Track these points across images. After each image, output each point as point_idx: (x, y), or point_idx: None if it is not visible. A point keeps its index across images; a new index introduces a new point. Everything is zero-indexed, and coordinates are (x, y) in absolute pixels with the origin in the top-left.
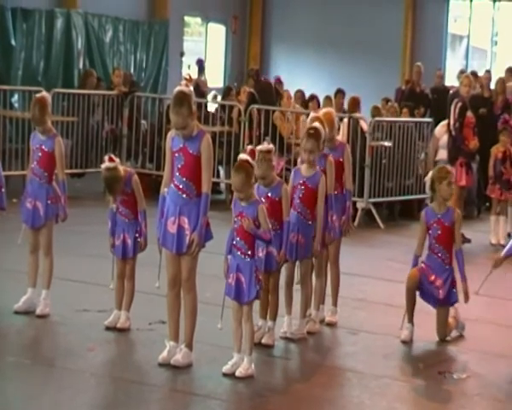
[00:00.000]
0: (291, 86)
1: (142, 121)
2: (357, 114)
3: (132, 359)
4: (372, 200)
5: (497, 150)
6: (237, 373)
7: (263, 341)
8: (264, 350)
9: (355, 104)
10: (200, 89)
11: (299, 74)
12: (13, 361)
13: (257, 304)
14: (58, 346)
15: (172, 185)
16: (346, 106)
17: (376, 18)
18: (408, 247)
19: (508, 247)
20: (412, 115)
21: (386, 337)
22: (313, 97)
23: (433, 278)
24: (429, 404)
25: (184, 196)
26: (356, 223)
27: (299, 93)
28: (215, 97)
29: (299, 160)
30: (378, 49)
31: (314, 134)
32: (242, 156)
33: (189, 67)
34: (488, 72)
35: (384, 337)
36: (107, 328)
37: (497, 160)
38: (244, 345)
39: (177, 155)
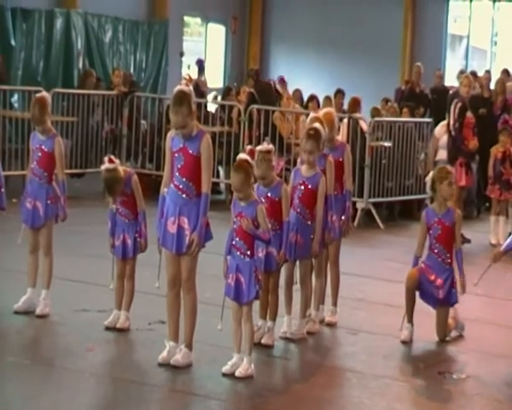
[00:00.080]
0: (291, 86)
1: (142, 121)
2: (357, 115)
3: (132, 359)
4: (372, 200)
5: (496, 151)
6: (237, 373)
7: (262, 341)
8: (264, 350)
9: (355, 104)
10: (200, 89)
11: (298, 74)
12: (12, 361)
13: (256, 304)
14: (57, 346)
15: (172, 185)
16: (345, 106)
17: (376, 18)
18: (408, 247)
19: (507, 242)
20: (413, 115)
21: (386, 338)
22: (313, 97)
23: (433, 277)
24: (429, 404)
25: (184, 196)
26: (355, 223)
27: (298, 92)
28: (215, 98)
29: (298, 160)
30: (378, 49)
31: (314, 135)
32: (242, 156)
33: (188, 67)
34: (488, 72)
35: (384, 338)
36: (107, 328)
37: (497, 160)
38: (244, 345)
39: (176, 155)
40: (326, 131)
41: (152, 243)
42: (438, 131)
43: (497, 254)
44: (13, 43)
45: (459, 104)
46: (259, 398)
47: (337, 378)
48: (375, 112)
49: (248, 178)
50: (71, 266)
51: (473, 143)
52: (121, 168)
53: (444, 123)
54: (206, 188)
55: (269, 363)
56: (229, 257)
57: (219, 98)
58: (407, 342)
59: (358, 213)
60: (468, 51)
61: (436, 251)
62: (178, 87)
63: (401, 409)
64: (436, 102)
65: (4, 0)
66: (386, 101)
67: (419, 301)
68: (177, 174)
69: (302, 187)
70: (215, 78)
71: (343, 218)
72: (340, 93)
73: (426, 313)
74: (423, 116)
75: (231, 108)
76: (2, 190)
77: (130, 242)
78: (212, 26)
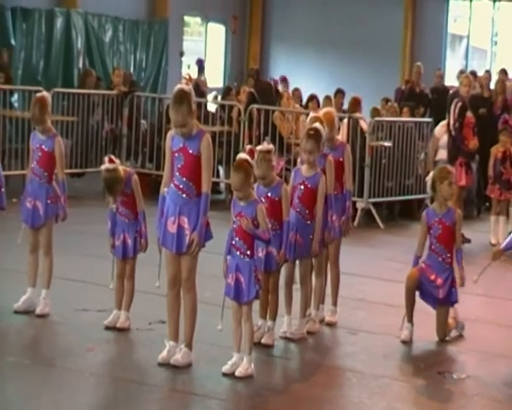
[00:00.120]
0: (291, 86)
1: (142, 121)
2: (357, 114)
3: (132, 358)
4: (372, 200)
5: (496, 150)
6: (237, 373)
7: (262, 341)
8: (264, 350)
9: (356, 104)
10: (200, 89)
11: (299, 74)
12: (12, 361)
13: (256, 304)
14: (58, 346)
15: (172, 185)
16: (345, 106)
17: (376, 18)
18: (408, 247)
19: (507, 240)
20: (413, 115)
21: (386, 337)
22: (313, 97)
23: (433, 277)
24: (429, 404)
25: (184, 195)
26: (355, 223)
27: (297, 92)
28: (216, 98)
29: (298, 160)
30: (378, 49)
31: (314, 135)
32: (241, 155)
33: (188, 66)
34: (488, 72)
35: (384, 337)
36: (107, 328)
37: (497, 160)
38: (244, 345)
39: (176, 154)
40: (326, 130)
41: (152, 242)
42: (438, 131)
43: (496, 252)
44: (13, 42)
45: (459, 104)
46: (259, 398)
47: (337, 378)
48: (375, 112)
49: (248, 177)
50: (71, 265)
51: (473, 143)
52: (121, 168)
53: (444, 123)
54: (206, 188)
55: (269, 363)
56: (228, 257)
57: (219, 98)
58: (407, 342)
59: (358, 212)
60: (468, 51)
61: (436, 251)
62: (179, 86)
63: (401, 409)
64: (436, 101)
65: None
66: (386, 100)
67: (419, 301)
68: (177, 174)
69: (302, 187)
70: (215, 77)
71: (343, 218)
72: (340, 93)
73: (426, 312)
74: (423, 116)
75: (231, 107)
76: (3, 189)
77: (130, 241)
78: (212, 25)
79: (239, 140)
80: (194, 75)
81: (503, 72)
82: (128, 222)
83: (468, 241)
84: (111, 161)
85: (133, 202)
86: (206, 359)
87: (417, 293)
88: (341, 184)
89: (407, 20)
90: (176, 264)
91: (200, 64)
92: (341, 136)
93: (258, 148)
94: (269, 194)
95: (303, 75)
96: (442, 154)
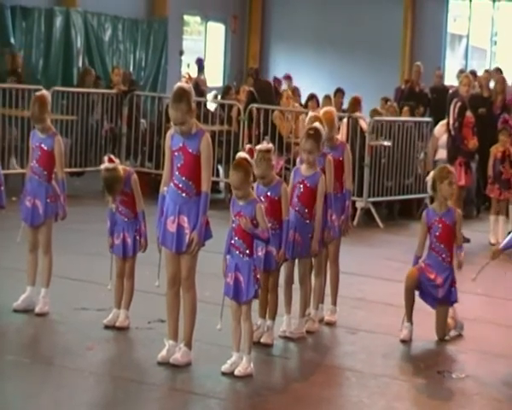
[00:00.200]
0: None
1: (142, 120)
2: (356, 114)
3: (131, 357)
4: (371, 199)
5: (496, 150)
6: (236, 372)
7: (262, 340)
8: (263, 349)
9: (356, 104)
10: (200, 88)
11: (298, 73)
12: (12, 360)
13: (256, 303)
14: (57, 344)
15: (172, 184)
16: (345, 105)
17: (376, 17)
18: (407, 246)
19: (506, 240)
20: (413, 114)
21: (385, 337)
22: (313, 96)
23: (433, 276)
24: (428, 403)
25: (184, 194)
26: (355, 222)
27: (296, 90)
28: (216, 97)
29: (298, 159)
30: (378, 48)
31: (314, 134)
32: (241, 154)
33: (188, 65)
34: (487, 71)
35: (383, 337)
36: (106, 327)
37: (497, 159)
38: (243, 344)
39: (176, 154)
40: (326, 130)
41: (152, 241)
42: (437, 131)
43: (495, 251)
44: (12, 41)
45: (459, 104)
46: (259, 397)
47: (336, 377)
48: (375, 114)
49: (247, 176)
50: (70, 264)
51: (472, 143)
52: (121, 167)
53: (443, 122)
54: (205, 187)
55: (268, 362)
56: (228, 256)
57: (219, 97)
58: (406, 342)
59: (358, 212)
60: (467, 51)
61: (436, 250)
62: (178, 84)
63: (400, 408)
64: (436, 101)
65: None
66: (386, 100)
67: (418, 301)
68: (176, 173)
69: (301, 186)
70: (215, 76)
71: (342, 217)
72: (339, 92)
73: (425, 312)
74: (423, 115)
75: (231, 106)
76: (2, 188)
77: (130, 241)
78: (211, 24)
79: (238, 139)
80: (194, 74)
81: (498, 70)
82: (128, 221)
83: (468, 240)
84: (110, 160)
85: (133, 201)
86: (206, 358)
87: (417, 292)
88: (341, 183)
89: (407, 20)
90: (175, 263)
91: (200, 63)
92: (341, 135)
93: (258, 147)
94: (268, 193)
95: (303, 74)
96: (441, 153)
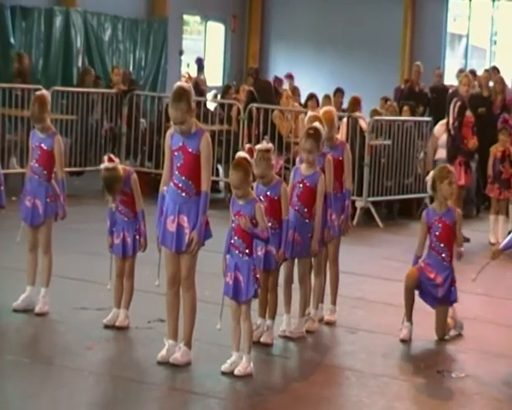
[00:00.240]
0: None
1: (142, 120)
2: (356, 113)
3: (131, 357)
4: (371, 199)
5: (496, 150)
6: (236, 372)
7: (262, 339)
8: (263, 349)
9: (356, 104)
10: (200, 87)
11: (298, 73)
12: (12, 360)
13: (256, 303)
14: (57, 344)
15: (172, 184)
16: (345, 105)
17: (376, 17)
18: (407, 246)
19: (506, 240)
20: (413, 114)
21: (385, 336)
22: (312, 96)
23: (433, 275)
24: (428, 403)
25: (184, 194)
26: (355, 222)
27: (296, 90)
28: (215, 97)
29: (297, 159)
30: (377, 47)
31: (313, 134)
32: (241, 154)
33: (188, 65)
34: (487, 71)
35: (383, 336)
36: (106, 326)
37: (496, 159)
38: (243, 344)
39: (176, 153)
40: (326, 129)
41: (151, 241)
42: (437, 130)
43: (495, 251)
44: (12, 41)
45: (458, 103)
46: (258, 396)
47: (336, 377)
48: (375, 114)
49: (247, 176)
50: (70, 264)
51: (472, 142)
52: (120, 167)
53: (443, 122)
54: (205, 186)
55: (268, 361)
56: (227, 256)
57: (219, 97)
58: (406, 341)
59: (358, 211)
60: (467, 50)
61: (436, 249)
62: (178, 83)
63: (400, 408)
64: (435, 100)
65: None
66: (386, 100)
67: (418, 300)
68: (176, 173)
69: (301, 185)
70: (214, 76)
71: (342, 216)
72: (339, 92)
73: (425, 311)
74: (422, 115)
75: (231, 106)
76: (2, 187)
77: (129, 240)
78: (211, 24)
79: (238, 139)
80: (194, 74)
81: (495, 69)
82: (127, 221)
83: (468, 240)
84: (110, 159)
85: (132, 200)
86: (206, 357)
87: (417, 292)
88: (341, 183)
89: (407, 19)
90: (175, 263)
91: (200, 63)
92: (341, 135)
93: (258, 147)
94: (268, 193)
95: (302, 74)
96: (441, 153)
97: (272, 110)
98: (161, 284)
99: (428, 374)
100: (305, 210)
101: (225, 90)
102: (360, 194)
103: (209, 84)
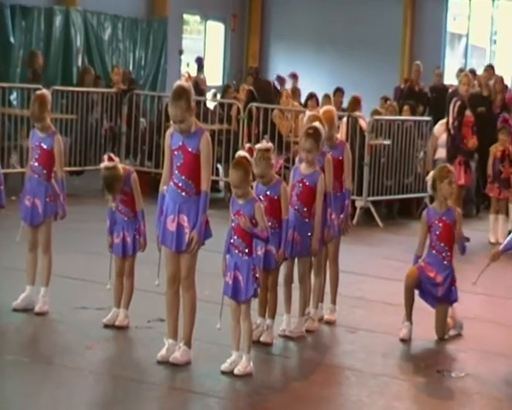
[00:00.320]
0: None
1: (141, 119)
2: (356, 113)
3: (131, 357)
4: (371, 198)
5: (495, 149)
6: (236, 371)
7: (261, 339)
8: (263, 348)
9: (355, 103)
10: (199, 87)
11: (298, 72)
12: (11, 359)
13: (255, 302)
14: (56, 344)
15: (172, 183)
16: (345, 104)
17: (376, 16)
18: (407, 245)
19: (506, 241)
20: (413, 113)
21: (385, 336)
22: (312, 96)
23: (433, 274)
24: (428, 402)
25: (183, 194)
26: (354, 221)
27: (297, 91)
28: (215, 95)
29: (297, 158)
30: (377, 47)
31: (313, 134)
32: (240, 153)
33: (187, 64)
34: (487, 70)
35: (382, 336)
36: (106, 326)
37: (496, 158)
38: (242, 343)
39: (176, 153)
40: (326, 129)
41: (151, 240)
42: (437, 130)
43: (495, 253)
44: (12, 40)
45: (458, 103)
46: (258, 396)
47: (336, 376)
48: (376, 114)
49: (247, 175)
50: (70, 263)
51: (472, 142)
52: (120, 166)
53: (443, 121)
54: (205, 186)
55: (268, 361)
56: (227, 255)
57: (218, 96)
58: (406, 341)
59: (357, 211)
60: (467, 49)
61: (437, 248)
62: (178, 82)
63: (400, 407)
64: (435, 100)
65: None
66: (386, 99)
67: (418, 300)
68: (176, 172)
69: (300, 185)
70: (214, 75)
71: (342, 216)
72: (339, 91)
73: (425, 311)
74: (422, 115)
75: (230, 105)
76: (2, 187)
77: (129, 239)
78: (211, 23)
79: (238, 138)
80: (194, 73)
81: (490, 67)
82: (127, 220)
83: (467, 239)
84: (110, 159)
85: (132, 200)
86: (205, 357)
87: (417, 292)
88: (341, 182)
89: (406, 19)
90: (175, 262)
91: (200, 62)
92: (341, 134)
93: (258, 146)
94: (268, 192)
95: (302, 73)
96: (441, 152)
97: (272, 110)
98: (161, 283)
99: (428, 374)
100: (305, 209)
101: (225, 90)
102: (360, 193)
103: (209, 83)
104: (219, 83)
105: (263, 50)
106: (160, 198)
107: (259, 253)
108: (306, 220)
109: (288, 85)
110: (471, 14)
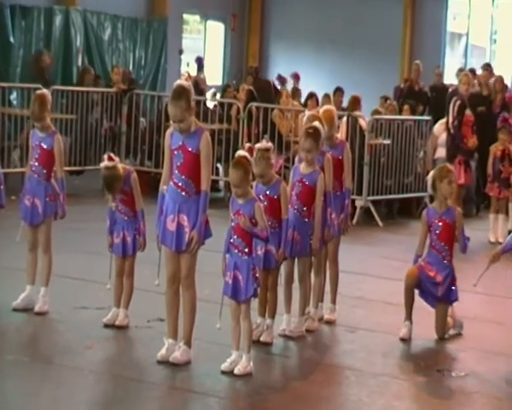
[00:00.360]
0: (290, 85)
1: (141, 119)
2: (356, 113)
3: (131, 356)
4: (371, 198)
5: (495, 149)
6: (236, 371)
7: (261, 339)
8: (263, 348)
9: (355, 103)
10: (199, 86)
11: (298, 72)
12: (11, 359)
13: (255, 302)
14: (56, 343)
15: (171, 183)
16: (345, 104)
17: (376, 15)
18: (406, 245)
19: (506, 242)
20: (414, 113)
21: (385, 335)
22: (312, 95)
23: (433, 273)
24: (428, 402)
25: (183, 193)
26: (354, 221)
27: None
28: (214, 95)
29: (296, 158)
30: (377, 46)
31: (313, 133)
32: (240, 153)
33: (187, 64)
34: (487, 70)
35: (382, 335)
36: (106, 325)
37: (496, 158)
38: (242, 343)
39: (176, 152)
40: (325, 129)
41: (151, 240)
42: (437, 129)
43: (495, 254)
44: (12, 40)
45: (458, 102)
46: (258, 395)
47: (336, 376)
48: (376, 114)
49: (247, 174)
50: (70, 263)
51: (472, 141)
52: (120, 166)
53: (443, 121)
54: (205, 185)
55: (268, 361)
56: (227, 255)
57: (218, 96)
58: (406, 340)
59: (357, 210)
60: (467, 49)
61: (437, 247)
62: (178, 82)
63: (400, 407)
64: (435, 99)
65: None
66: (386, 99)
67: (418, 299)
68: (176, 172)
69: (300, 184)
70: (214, 75)
71: (342, 215)
72: (339, 91)
73: (425, 311)
74: (422, 114)
75: (230, 105)
76: (2, 187)
77: (129, 239)
78: (211, 23)
79: (238, 138)
80: (194, 73)
81: (487, 65)
82: (127, 220)
83: (467, 239)
84: (110, 158)
85: (132, 199)
86: (205, 356)
87: (416, 291)
88: (340, 182)
89: (406, 18)
90: (175, 262)
91: (200, 62)
92: (340, 134)
93: (257, 146)
94: (267, 192)
95: (302, 73)
96: (441, 152)
97: (272, 109)
98: (161, 283)
99: (428, 373)
100: (305, 209)
101: (225, 89)
102: (360, 193)
103: (209, 83)
104: (219, 82)
105: (263, 50)
106: (159, 198)
107: (259, 252)
108: (306, 220)
109: (290, 86)
110: (471, 13)
